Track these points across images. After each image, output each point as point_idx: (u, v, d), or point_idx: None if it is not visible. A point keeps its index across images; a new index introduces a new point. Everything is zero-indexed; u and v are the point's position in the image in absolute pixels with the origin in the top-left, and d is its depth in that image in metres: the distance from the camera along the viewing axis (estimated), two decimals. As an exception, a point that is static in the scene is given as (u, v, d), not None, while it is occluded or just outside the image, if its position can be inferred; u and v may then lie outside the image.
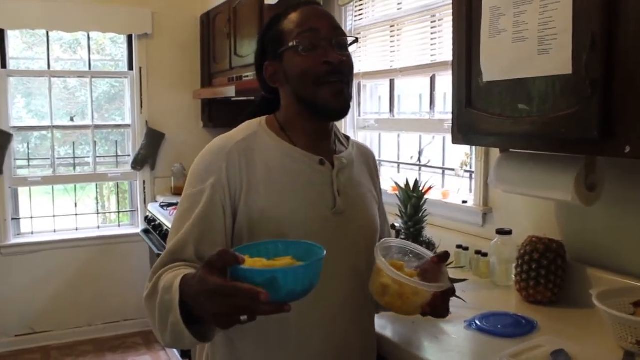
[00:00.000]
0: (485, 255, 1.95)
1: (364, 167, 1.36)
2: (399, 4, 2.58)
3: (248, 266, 0.90)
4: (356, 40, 1.29)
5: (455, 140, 1.68)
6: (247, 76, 3.22)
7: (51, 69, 3.91)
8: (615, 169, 1.57)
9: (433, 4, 2.33)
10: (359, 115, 2.96)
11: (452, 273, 1.39)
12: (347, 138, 1.39)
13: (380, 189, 1.42)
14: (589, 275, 1.65)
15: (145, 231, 3.71)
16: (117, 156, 4.18)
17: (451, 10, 1.65)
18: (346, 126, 2.94)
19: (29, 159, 3.94)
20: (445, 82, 2.35)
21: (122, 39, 4.10)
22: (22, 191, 3.92)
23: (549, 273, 1.63)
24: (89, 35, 3.99)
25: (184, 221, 1.16)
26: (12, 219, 3.85)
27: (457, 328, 1.49)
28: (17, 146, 3.88)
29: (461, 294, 1.63)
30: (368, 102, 2.97)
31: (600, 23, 1.18)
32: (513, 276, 1.75)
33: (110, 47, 4.19)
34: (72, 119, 4.04)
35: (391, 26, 2.62)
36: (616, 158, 1.25)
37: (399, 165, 2.79)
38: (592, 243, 1.71)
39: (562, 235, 1.77)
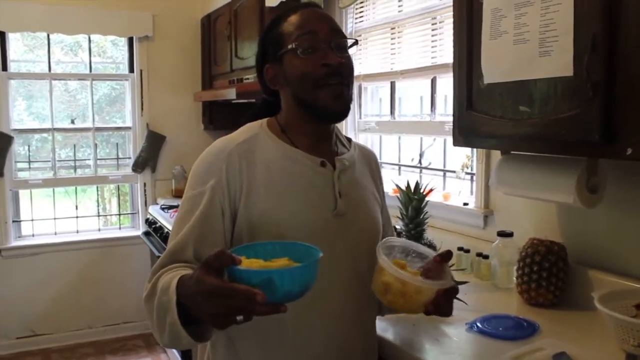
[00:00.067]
0: (486, 257, 1.94)
1: (366, 169, 1.36)
2: (399, 6, 2.58)
3: (245, 267, 0.91)
4: (356, 42, 1.30)
5: (456, 143, 1.68)
6: (247, 78, 3.22)
7: (52, 72, 3.91)
8: (616, 171, 1.57)
9: (434, 6, 2.33)
10: (360, 118, 2.96)
11: (453, 275, 1.39)
12: (349, 140, 1.38)
13: (383, 191, 1.42)
14: (591, 277, 1.64)
15: (146, 233, 3.71)
16: (117, 158, 4.18)
17: (452, 13, 1.65)
18: (347, 128, 2.94)
19: (29, 162, 3.94)
20: (446, 84, 2.35)
21: (123, 42, 4.10)
22: (23, 194, 3.92)
23: (550, 275, 1.63)
24: (89, 38, 3.99)
25: (184, 223, 1.16)
26: (13, 221, 3.85)
27: (458, 330, 1.49)
28: (18, 149, 3.88)
29: (462, 297, 1.62)
30: (369, 104, 2.97)
31: (601, 25, 1.18)
32: (514, 278, 1.75)
33: (111, 50, 4.19)
34: (72, 122, 4.04)
35: (392, 28, 2.62)
36: (618, 160, 1.25)
37: (399, 168, 2.78)
38: (594, 245, 1.70)
39: (564, 238, 1.77)
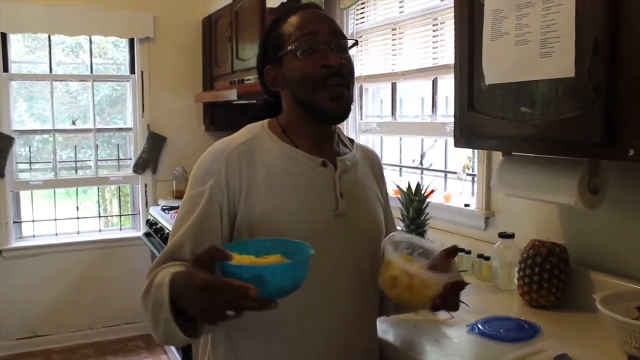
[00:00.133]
0: (487, 259, 1.94)
1: (368, 169, 1.35)
2: (400, 7, 2.58)
3: (236, 262, 0.92)
4: (356, 43, 1.29)
5: (457, 144, 1.68)
6: (248, 79, 3.22)
7: (53, 73, 3.91)
8: (618, 172, 1.57)
9: (435, 7, 2.33)
10: (361, 119, 2.96)
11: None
12: (352, 141, 1.38)
13: (386, 192, 1.41)
14: (592, 279, 1.64)
15: (147, 234, 3.71)
16: (118, 159, 4.18)
17: (453, 13, 1.65)
18: (348, 129, 2.94)
19: (30, 163, 3.94)
20: (447, 85, 2.35)
21: (124, 43, 4.10)
22: (24, 194, 3.92)
23: (551, 277, 1.62)
24: (90, 39, 3.99)
25: (183, 223, 1.17)
26: (14, 222, 3.85)
27: (459, 332, 1.48)
28: (19, 149, 3.88)
29: (463, 298, 1.61)
30: (370, 105, 2.97)
31: (603, 27, 1.18)
32: (515, 280, 1.74)
33: (112, 51, 4.20)
34: (73, 123, 4.04)
35: (393, 29, 2.62)
36: (619, 161, 1.25)
37: (400, 169, 2.78)
38: (596, 246, 1.70)
39: (565, 239, 1.76)
